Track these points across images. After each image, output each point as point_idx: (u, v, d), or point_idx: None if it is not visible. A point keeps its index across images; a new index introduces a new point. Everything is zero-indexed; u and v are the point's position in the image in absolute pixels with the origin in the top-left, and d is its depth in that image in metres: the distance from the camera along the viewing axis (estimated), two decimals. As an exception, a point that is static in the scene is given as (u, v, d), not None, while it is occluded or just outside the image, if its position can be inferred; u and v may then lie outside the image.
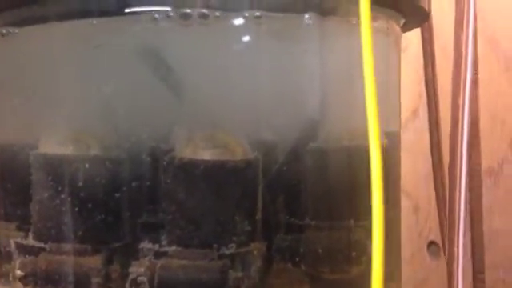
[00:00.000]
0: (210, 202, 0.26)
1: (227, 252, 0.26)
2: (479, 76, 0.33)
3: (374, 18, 0.27)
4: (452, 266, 0.28)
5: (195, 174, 0.26)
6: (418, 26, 0.33)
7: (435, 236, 0.63)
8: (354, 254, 0.28)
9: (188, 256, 0.26)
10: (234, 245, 0.26)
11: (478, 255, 0.37)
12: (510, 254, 0.60)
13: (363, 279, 0.29)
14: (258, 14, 0.25)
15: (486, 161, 0.59)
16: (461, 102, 0.27)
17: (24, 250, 0.27)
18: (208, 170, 0.26)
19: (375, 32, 0.27)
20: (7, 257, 0.28)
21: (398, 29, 0.31)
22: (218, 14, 0.25)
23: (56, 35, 0.26)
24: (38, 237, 0.27)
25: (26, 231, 0.28)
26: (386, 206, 0.30)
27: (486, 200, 0.37)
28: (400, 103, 0.33)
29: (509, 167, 0.62)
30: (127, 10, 0.25)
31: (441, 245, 0.58)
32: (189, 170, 0.26)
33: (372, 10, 0.25)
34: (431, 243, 0.64)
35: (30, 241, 0.27)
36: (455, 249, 0.27)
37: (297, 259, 0.28)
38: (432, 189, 0.44)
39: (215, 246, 0.26)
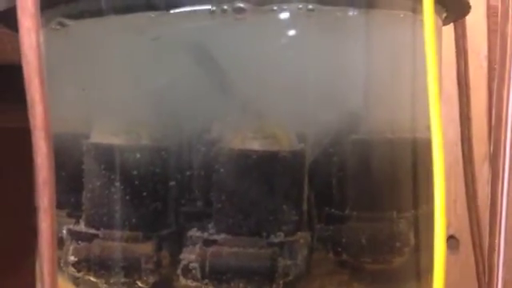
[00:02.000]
0: (259, 191, 0.26)
1: (276, 240, 0.26)
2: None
3: (420, 12, 0.28)
4: (492, 258, 0.28)
5: (245, 164, 0.26)
6: (458, 20, 0.34)
7: (454, 231, 0.64)
8: (396, 245, 0.29)
9: (238, 244, 0.26)
10: (282, 233, 0.26)
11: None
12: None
13: (404, 270, 0.29)
14: (310, 6, 0.26)
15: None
16: (505, 96, 0.28)
17: (77, 236, 0.28)
18: (258, 159, 0.26)
19: (420, 25, 0.28)
20: (59, 243, 0.29)
21: (440, 22, 0.32)
22: (269, 7, 0.26)
23: (111, 28, 0.27)
24: (91, 224, 0.28)
25: (77, 218, 0.29)
26: (427, 200, 0.31)
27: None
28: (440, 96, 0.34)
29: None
30: (181, 4, 0.26)
31: (461, 239, 0.58)
32: (238, 159, 0.26)
33: (419, 3, 0.26)
34: (450, 238, 0.64)
35: (83, 227, 0.28)
36: (496, 241, 0.28)
37: (339, 249, 0.28)
38: (452, 183, 0.45)
39: (264, 234, 0.26)
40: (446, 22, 0.34)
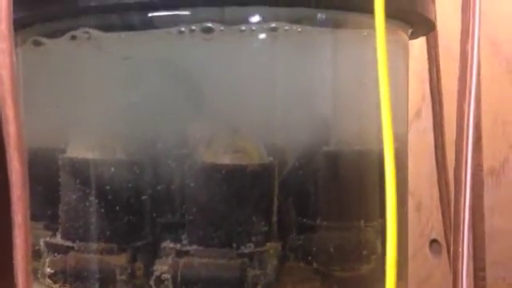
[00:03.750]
0: (230, 203, 0.27)
1: (246, 251, 0.27)
2: (481, 78, 0.35)
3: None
4: (457, 263, 0.29)
5: (215, 178, 0.27)
6: (424, 35, 0.35)
7: (437, 234, 0.65)
8: (364, 252, 0.30)
9: (209, 255, 0.27)
10: (251, 244, 0.27)
11: (479, 254, 0.38)
12: (510, 253, 0.62)
13: (372, 277, 0.30)
14: (277, 26, 0.27)
15: (488, 161, 0.61)
16: (466, 104, 0.29)
17: (53, 248, 0.29)
18: (228, 173, 0.27)
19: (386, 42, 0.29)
20: (36, 255, 0.30)
21: (406, 37, 0.33)
22: (238, 27, 0.27)
23: (84, 47, 0.28)
24: (67, 236, 0.29)
25: (54, 230, 0.30)
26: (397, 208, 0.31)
27: (488, 200, 0.38)
28: (407, 107, 0.35)
29: (510, 168, 0.63)
30: (152, 25, 0.27)
31: (444, 243, 0.59)
32: (209, 173, 0.27)
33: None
34: (433, 241, 0.65)
35: (59, 240, 0.29)
36: (460, 247, 0.29)
37: (309, 258, 0.29)
38: (434, 188, 0.46)
39: (234, 245, 0.27)
40: (413, 37, 0.35)
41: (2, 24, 0.24)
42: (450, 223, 0.41)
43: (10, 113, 0.24)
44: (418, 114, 0.63)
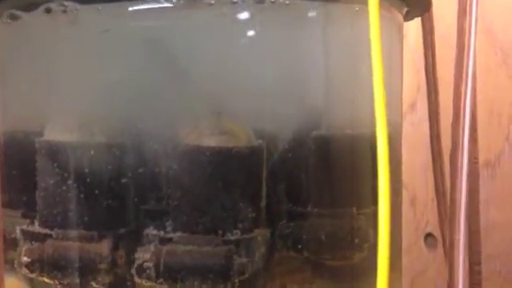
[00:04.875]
0: (215, 188, 0.26)
1: (232, 238, 0.26)
2: (477, 69, 0.34)
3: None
4: (452, 257, 0.28)
5: (200, 161, 0.26)
6: (420, 15, 0.33)
7: (432, 228, 0.64)
8: (355, 241, 0.29)
9: (193, 242, 0.26)
10: (238, 231, 0.26)
11: (474, 247, 0.37)
12: (506, 247, 0.61)
13: (364, 266, 0.29)
14: (270, 0, 0.26)
15: (483, 153, 0.60)
16: (463, 92, 0.27)
17: (30, 236, 0.27)
18: (213, 156, 0.26)
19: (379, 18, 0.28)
20: (12, 243, 0.28)
21: (400, 17, 0.32)
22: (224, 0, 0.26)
23: (60, 20, 0.26)
24: (44, 224, 0.27)
25: (32, 218, 0.28)
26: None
27: (483, 192, 0.37)
28: (402, 93, 0.34)
29: (505, 160, 0.62)
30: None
31: (439, 236, 0.58)
32: (194, 156, 0.26)
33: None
34: (428, 235, 0.64)
35: (36, 228, 0.27)
36: (456, 239, 0.27)
37: (299, 246, 0.28)
38: (429, 181, 0.45)
39: (220, 232, 0.26)
40: (408, 18, 0.33)
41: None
42: (446, 215, 0.40)
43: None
44: (412, 105, 0.62)
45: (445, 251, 0.40)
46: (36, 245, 0.27)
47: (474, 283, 0.36)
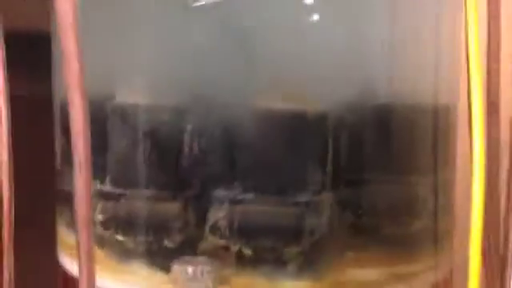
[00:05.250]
0: (286, 151, 0.27)
1: (302, 200, 0.27)
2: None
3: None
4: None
5: (270, 124, 0.27)
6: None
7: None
8: (414, 208, 0.30)
9: (265, 203, 0.27)
10: (307, 193, 0.27)
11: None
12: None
13: (423, 234, 0.30)
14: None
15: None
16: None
17: (104, 195, 0.28)
18: (283, 119, 0.27)
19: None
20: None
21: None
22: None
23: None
24: (118, 184, 0.28)
25: (102, 178, 0.29)
26: (446, 165, 0.31)
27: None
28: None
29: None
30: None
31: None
32: (265, 119, 0.27)
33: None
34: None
35: (110, 187, 0.28)
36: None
37: (359, 212, 0.29)
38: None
39: (291, 193, 0.27)
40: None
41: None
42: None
43: (72, 47, 0.23)
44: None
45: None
46: (111, 203, 0.28)
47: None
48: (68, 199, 0.31)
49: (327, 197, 0.28)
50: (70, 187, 0.31)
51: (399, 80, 0.30)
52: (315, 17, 0.28)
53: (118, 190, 0.28)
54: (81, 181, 0.23)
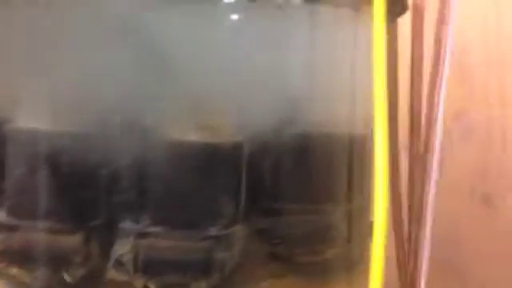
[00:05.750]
0: (198, 183, 0.26)
1: (213, 233, 0.26)
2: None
3: (361, 9, 0.28)
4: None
5: (183, 155, 0.26)
6: (395, 19, 0.34)
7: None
8: (329, 236, 0.29)
9: (174, 237, 0.25)
10: (219, 226, 0.26)
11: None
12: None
13: (337, 261, 0.30)
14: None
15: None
16: (435, 102, 0.28)
17: (-2, 226, 0.26)
18: (196, 151, 0.26)
19: (361, 22, 0.28)
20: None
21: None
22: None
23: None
24: (14, 214, 0.26)
25: (-1, 207, 0.27)
26: (361, 193, 0.31)
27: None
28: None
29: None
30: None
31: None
32: (176, 150, 0.26)
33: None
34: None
35: (5, 218, 0.26)
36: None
37: (275, 241, 0.28)
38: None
39: (202, 227, 0.26)
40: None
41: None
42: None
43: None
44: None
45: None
46: (5, 235, 0.26)
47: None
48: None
49: (240, 229, 0.27)
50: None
51: (316, 108, 0.29)
52: (234, 42, 0.27)
53: (14, 221, 0.26)
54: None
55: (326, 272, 0.30)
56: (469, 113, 0.60)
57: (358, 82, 0.29)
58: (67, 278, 0.26)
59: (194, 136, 0.26)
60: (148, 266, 0.25)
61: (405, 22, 0.32)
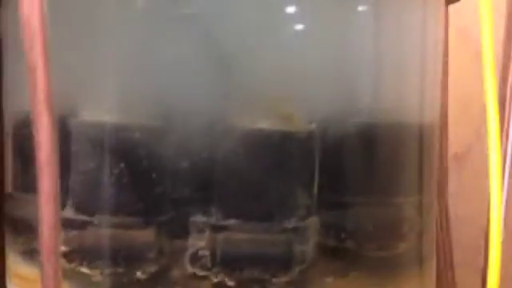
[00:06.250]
0: (272, 172, 0.25)
1: (289, 226, 0.25)
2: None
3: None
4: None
5: (257, 144, 0.25)
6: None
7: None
8: (401, 230, 0.28)
9: (249, 230, 0.25)
10: (295, 218, 0.25)
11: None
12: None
13: (410, 256, 0.29)
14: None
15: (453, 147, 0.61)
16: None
17: (66, 224, 0.25)
18: (271, 139, 0.25)
19: (429, 6, 0.28)
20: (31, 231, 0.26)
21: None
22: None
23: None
24: (82, 210, 0.25)
25: (62, 204, 0.26)
26: (432, 185, 0.30)
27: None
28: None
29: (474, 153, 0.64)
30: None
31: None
32: (250, 139, 0.25)
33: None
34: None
35: (74, 214, 0.25)
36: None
37: (343, 235, 0.27)
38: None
39: (277, 219, 0.25)
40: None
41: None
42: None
43: (39, 61, 0.20)
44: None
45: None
46: (75, 233, 0.25)
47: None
48: (21, 226, 0.28)
49: (314, 221, 0.26)
50: (23, 213, 0.28)
51: (384, 98, 0.28)
52: (301, 34, 0.27)
53: (83, 217, 0.25)
54: (48, 210, 0.20)
55: (396, 267, 0.29)
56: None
57: (427, 69, 0.28)
58: (140, 275, 0.25)
59: (265, 124, 0.25)
60: (226, 261, 0.24)
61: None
